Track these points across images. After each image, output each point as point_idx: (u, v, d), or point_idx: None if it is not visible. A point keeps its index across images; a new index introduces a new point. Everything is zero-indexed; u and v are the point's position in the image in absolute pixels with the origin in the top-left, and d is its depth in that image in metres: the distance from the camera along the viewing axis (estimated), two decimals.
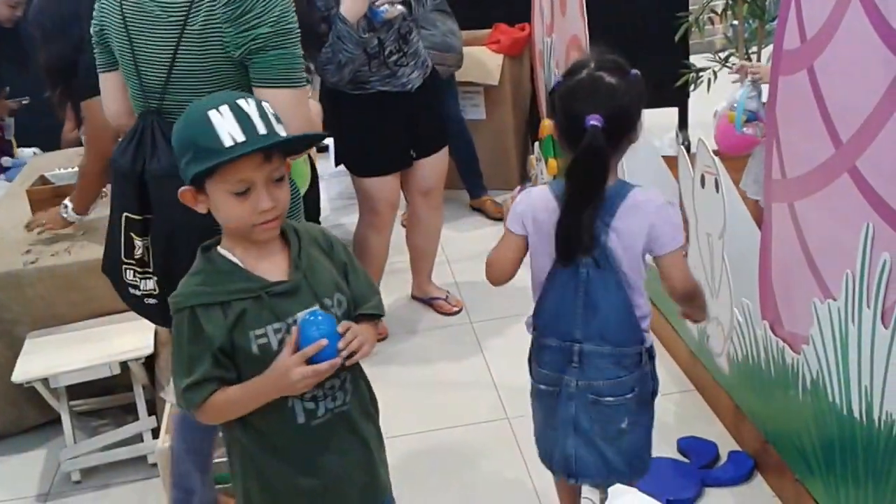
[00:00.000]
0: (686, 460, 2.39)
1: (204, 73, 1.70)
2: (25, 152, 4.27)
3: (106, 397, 2.83)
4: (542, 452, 1.90)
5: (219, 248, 1.47)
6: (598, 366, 1.76)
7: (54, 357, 2.53)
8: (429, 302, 3.47)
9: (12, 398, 2.67)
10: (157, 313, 1.92)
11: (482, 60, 4.28)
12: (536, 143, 4.39)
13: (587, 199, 1.66)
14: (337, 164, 3.21)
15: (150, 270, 1.86)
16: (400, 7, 2.81)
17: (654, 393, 1.84)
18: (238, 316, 1.40)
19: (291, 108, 1.67)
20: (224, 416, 1.47)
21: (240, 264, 1.44)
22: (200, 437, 2.07)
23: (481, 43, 4.32)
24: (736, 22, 3.93)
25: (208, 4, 1.66)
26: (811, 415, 2.00)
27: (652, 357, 1.82)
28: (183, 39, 1.68)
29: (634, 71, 1.72)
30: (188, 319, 1.41)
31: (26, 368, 2.49)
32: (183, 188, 1.42)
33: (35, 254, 2.71)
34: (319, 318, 1.41)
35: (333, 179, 5.01)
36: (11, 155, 4.23)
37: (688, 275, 1.77)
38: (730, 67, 3.42)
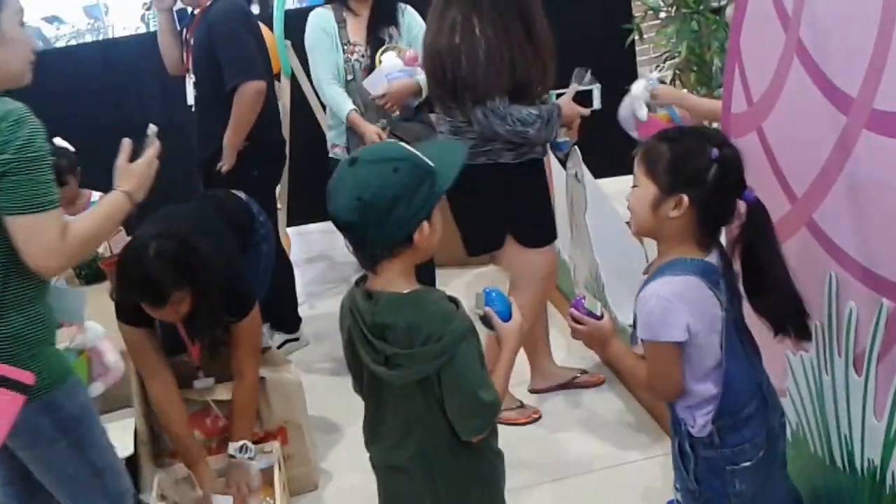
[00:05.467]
0: None
1: None
2: None
3: None
4: None
5: (414, 288, 1.55)
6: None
7: None
8: None
9: None
10: None
11: None
12: None
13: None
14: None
15: None
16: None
17: None
18: None
19: (35, 233, 1.70)
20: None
21: None
22: None
23: None
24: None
25: None
26: (795, 467, 2.00)
27: None
28: None
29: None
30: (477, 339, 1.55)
31: None
32: (422, 223, 1.51)
33: None
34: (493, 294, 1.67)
35: (307, 266, 5.02)
36: None
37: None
38: None
